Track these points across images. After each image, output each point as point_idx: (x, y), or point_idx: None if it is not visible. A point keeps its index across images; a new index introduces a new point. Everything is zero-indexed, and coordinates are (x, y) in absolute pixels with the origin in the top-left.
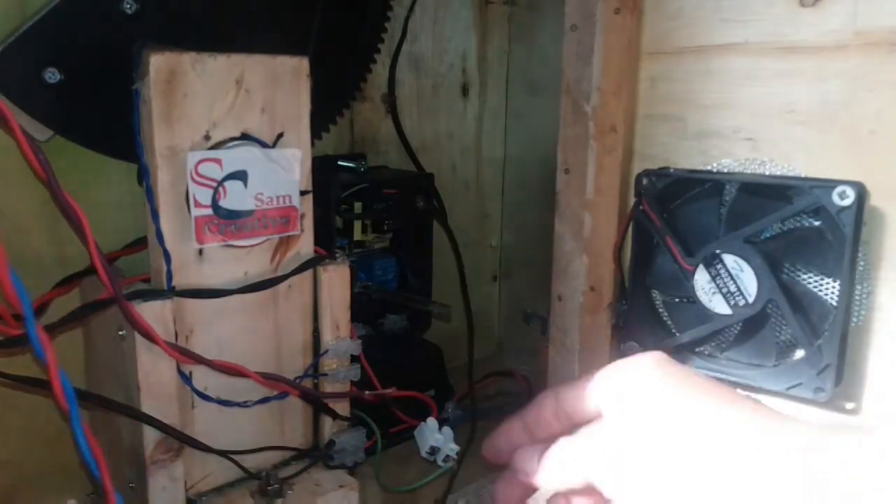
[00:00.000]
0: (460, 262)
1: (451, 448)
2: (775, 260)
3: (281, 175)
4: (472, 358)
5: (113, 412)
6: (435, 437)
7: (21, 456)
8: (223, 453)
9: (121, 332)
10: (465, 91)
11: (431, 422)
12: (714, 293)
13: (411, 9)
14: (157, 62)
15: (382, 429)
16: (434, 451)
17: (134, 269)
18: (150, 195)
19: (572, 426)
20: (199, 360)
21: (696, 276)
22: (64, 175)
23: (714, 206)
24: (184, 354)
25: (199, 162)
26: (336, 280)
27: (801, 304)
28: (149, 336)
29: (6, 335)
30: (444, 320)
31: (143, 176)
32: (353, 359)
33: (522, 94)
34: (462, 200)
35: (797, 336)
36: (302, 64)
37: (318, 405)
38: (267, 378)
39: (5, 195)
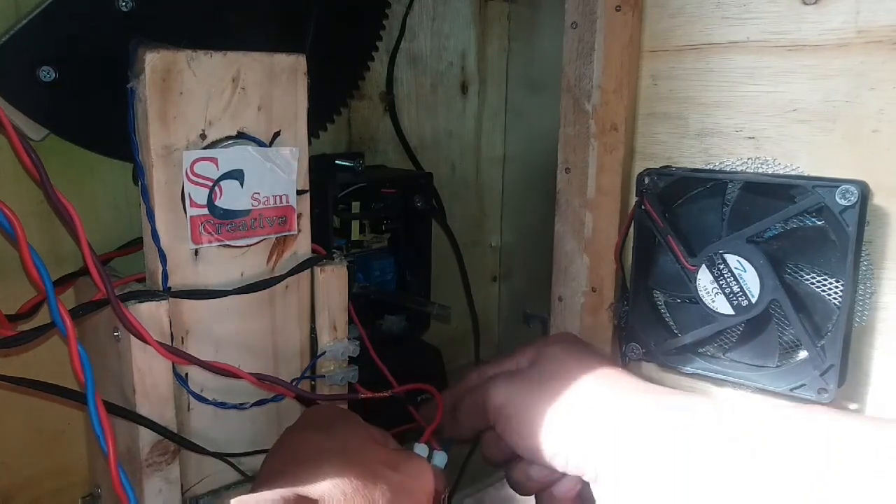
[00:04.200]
0: (462, 262)
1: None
2: (778, 260)
3: (278, 174)
4: (479, 358)
5: (108, 414)
6: None
7: (18, 457)
8: (220, 456)
9: (116, 334)
10: (464, 89)
11: (419, 448)
12: (717, 293)
13: (410, 6)
14: (153, 60)
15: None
16: None
17: (129, 270)
18: (146, 194)
19: None
20: (192, 360)
21: (699, 277)
22: (59, 174)
23: (716, 205)
24: (176, 355)
25: (195, 161)
26: (334, 280)
27: (804, 304)
28: (141, 337)
29: (1, 336)
30: (444, 321)
31: (139, 175)
32: (351, 360)
33: (522, 93)
34: (461, 200)
35: (800, 336)
36: (299, 61)
37: None
38: (260, 379)
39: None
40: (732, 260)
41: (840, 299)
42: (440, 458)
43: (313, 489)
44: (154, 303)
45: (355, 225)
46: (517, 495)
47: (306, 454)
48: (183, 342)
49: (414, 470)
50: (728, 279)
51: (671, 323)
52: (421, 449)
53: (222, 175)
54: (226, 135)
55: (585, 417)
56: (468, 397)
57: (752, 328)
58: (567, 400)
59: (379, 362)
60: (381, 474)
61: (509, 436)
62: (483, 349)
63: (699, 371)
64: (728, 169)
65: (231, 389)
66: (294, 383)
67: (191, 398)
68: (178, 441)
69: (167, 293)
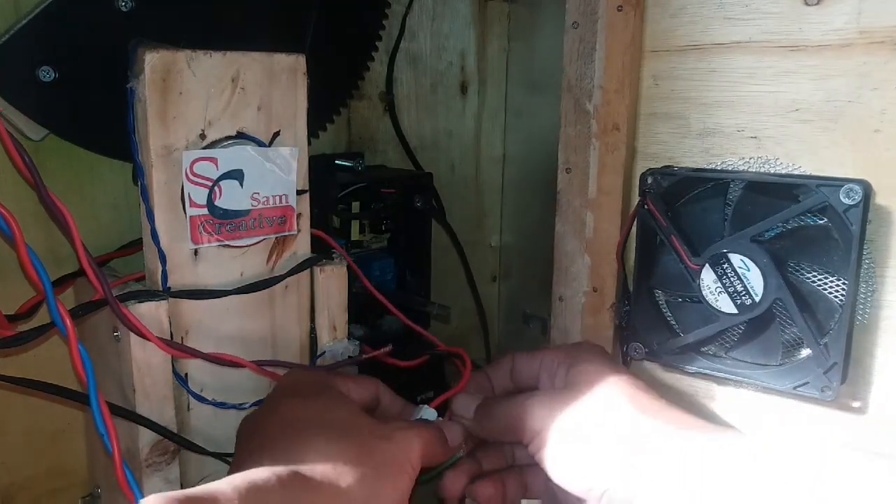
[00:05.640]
0: (465, 261)
1: None
2: (781, 259)
3: (277, 174)
4: (489, 354)
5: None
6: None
7: (18, 457)
8: (219, 455)
9: (115, 334)
10: (463, 89)
11: (428, 412)
12: (720, 293)
13: (410, 6)
14: (152, 60)
15: None
16: None
17: (129, 271)
18: (145, 194)
19: (516, 387)
20: (196, 354)
21: (703, 276)
22: (58, 174)
23: (719, 205)
24: (177, 349)
25: (195, 161)
26: (333, 280)
27: (807, 302)
28: (141, 334)
29: (1, 336)
30: (444, 321)
31: (138, 175)
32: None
33: (522, 93)
34: (461, 200)
35: (803, 335)
36: (298, 61)
37: None
38: (261, 365)
39: None
40: (736, 259)
41: (843, 298)
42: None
43: (306, 465)
44: (154, 303)
45: (355, 225)
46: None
47: (294, 426)
48: (182, 342)
49: (401, 442)
50: (732, 278)
51: (673, 322)
52: (429, 413)
53: (222, 175)
54: (225, 135)
55: (629, 456)
56: (504, 408)
57: (755, 327)
58: (609, 435)
59: (403, 317)
60: (373, 447)
61: (542, 460)
62: (482, 349)
63: (702, 370)
64: (730, 168)
65: (230, 389)
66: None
67: (191, 398)
68: (178, 441)
69: (167, 293)
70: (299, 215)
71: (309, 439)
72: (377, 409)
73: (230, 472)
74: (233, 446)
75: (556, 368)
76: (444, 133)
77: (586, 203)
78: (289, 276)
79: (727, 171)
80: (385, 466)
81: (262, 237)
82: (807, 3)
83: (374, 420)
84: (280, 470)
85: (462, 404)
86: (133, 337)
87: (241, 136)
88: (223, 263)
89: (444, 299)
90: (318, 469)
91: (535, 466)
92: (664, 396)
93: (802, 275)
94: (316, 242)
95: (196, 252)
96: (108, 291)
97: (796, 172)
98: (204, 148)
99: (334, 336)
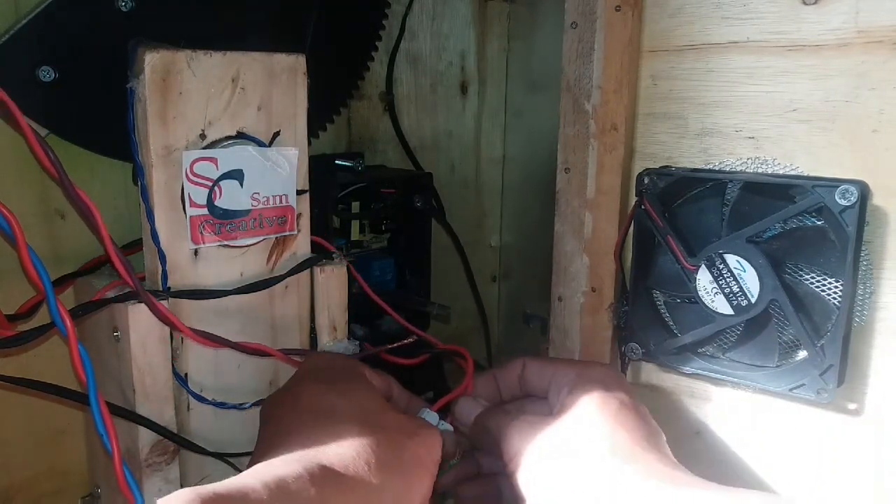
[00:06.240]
0: (466, 261)
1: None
2: (778, 260)
3: (277, 174)
4: (490, 354)
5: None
6: None
7: (18, 457)
8: (219, 456)
9: (115, 334)
10: (463, 89)
11: (430, 415)
12: (716, 293)
13: (410, 6)
14: (152, 60)
15: None
16: None
17: None
18: (145, 195)
19: (525, 394)
20: (224, 343)
21: (699, 277)
22: None
23: (716, 205)
24: (207, 339)
25: (195, 161)
26: (333, 280)
27: (803, 304)
28: (174, 325)
29: (1, 336)
30: (444, 321)
31: (138, 175)
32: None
33: (522, 93)
34: (461, 200)
35: (800, 336)
36: (298, 61)
37: None
38: (288, 353)
39: None
40: (732, 260)
41: (839, 299)
42: (446, 430)
43: (335, 456)
44: None
45: (355, 225)
46: (517, 496)
47: (325, 414)
48: (182, 342)
49: (427, 439)
50: (728, 279)
51: (671, 323)
52: (431, 416)
53: (222, 175)
54: (225, 135)
55: (590, 496)
56: (494, 425)
57: (752, 328)
58: (576, 472)
59: (401, 319)
60: (402, 443)
61: (516, 482)
62: (482, 349)
63: (699, 371)
64: (728, 169)
65: (230, 389)
66: None
67: (190, 398)
68: (177, 441)
69: (167, 293)
70: (299, 215)
71: (341, 430)
72: (388, 401)
73: (254, 454)
74: (233, 447)
75: (563, 385)
76: (443, 133)
77: (585, 203)
78: (289, 276)
79: (723, 172)
80: (413, 464)
81: (262, 237)
82: (805, 3)
83: (400, 414)
84: (310, 464)
85: (464, 410)
86: (133, 337)
87: (241, 136)
88: (223, 263)
89: (444, 299)
90: (351, 465)
91: None
92: (661, 401)
93: (799, 276)
94: (315, 244)
95: (196, 252)
96: (137, 283)
97: (794, 173)
98: (204, 148)
99: (334, 336)
